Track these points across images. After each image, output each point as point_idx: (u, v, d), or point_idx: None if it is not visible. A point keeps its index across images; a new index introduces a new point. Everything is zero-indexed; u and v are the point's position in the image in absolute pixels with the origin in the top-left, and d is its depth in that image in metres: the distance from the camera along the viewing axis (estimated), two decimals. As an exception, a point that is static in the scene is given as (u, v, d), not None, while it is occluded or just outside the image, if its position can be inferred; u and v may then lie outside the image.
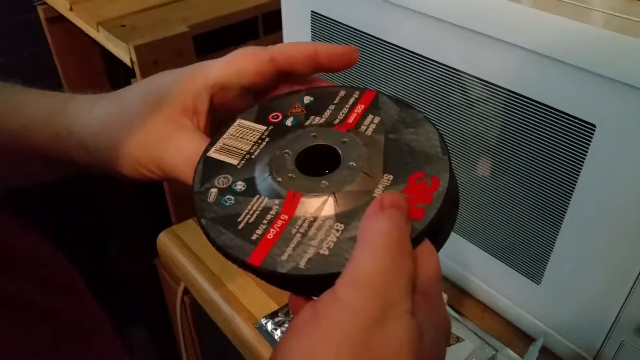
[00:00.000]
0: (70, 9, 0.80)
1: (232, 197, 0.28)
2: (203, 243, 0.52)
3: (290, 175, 0.28)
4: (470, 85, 0.43)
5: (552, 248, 0.44)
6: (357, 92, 0.32)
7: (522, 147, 0.42)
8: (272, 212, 0.26)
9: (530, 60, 0.38)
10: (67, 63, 0.99)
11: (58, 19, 0.90)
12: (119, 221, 1.23)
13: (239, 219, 0.27)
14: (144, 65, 0.68)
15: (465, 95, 0.45)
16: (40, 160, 0.36)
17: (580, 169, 0.39)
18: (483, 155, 0.46)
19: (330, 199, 0.26)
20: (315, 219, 0.25)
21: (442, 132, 0.31)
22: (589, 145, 0.38)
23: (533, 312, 0.49)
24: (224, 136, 0.31)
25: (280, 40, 0.60)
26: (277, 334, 0.51)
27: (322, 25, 0.53)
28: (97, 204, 1.21)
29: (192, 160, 0.30)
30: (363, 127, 0.30)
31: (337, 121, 0.30)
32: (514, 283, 0.48)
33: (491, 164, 0.45)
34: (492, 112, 0.43)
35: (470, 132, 0.45)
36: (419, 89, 0.48)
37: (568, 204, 0.41)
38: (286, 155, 0.29)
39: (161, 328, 0.95)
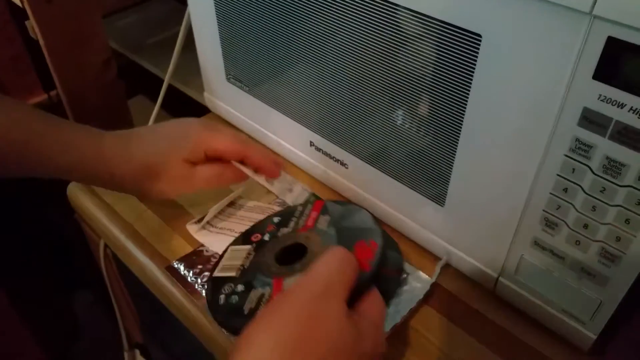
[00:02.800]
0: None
1: (236, 297, 0.40)
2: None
3: (273, 269, 0.40)
4: (357, 2, 0.41)
5: (452, 168, 0.43)
6: (310, 205, 0.46)
7: (413, 65, 0.41)
8: (266, 296, 0.38)
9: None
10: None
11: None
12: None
13: (244, 308, 0.38)
14: (35, 3, 0.63)
15: (349, 16, 0.42)
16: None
17: (471, 83, 0.38)
18: (375, 79, 0.44)
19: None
20: None
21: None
22: (476, 57, 0.37)
23: (440, 234, 0.49)
24: (223, 261, 0.44)
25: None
26: (190, 276, 0.50)
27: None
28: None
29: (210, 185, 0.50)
30: (318, 226, 0.43)
31: (299, 227, 0.44)
32: (420, 207, 0.48)
33: (385, 87, 0.44)
34: (380, 29, 0.41)
35: (360, 54, 0.44)
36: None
37: (462, 121, 0.40)
38: (268, 257, 0.41)
39: (103, 288, 0.93)
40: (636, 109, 0.31)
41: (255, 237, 0.44)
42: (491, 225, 0.44)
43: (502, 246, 0.44)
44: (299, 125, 0.56)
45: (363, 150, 0.51)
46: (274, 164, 0.51)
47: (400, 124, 0.45)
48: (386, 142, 0.47)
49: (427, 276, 0.49)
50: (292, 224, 0.44)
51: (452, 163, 0.43)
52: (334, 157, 0.55)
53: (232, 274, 0.41)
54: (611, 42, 0.30)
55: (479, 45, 0.36)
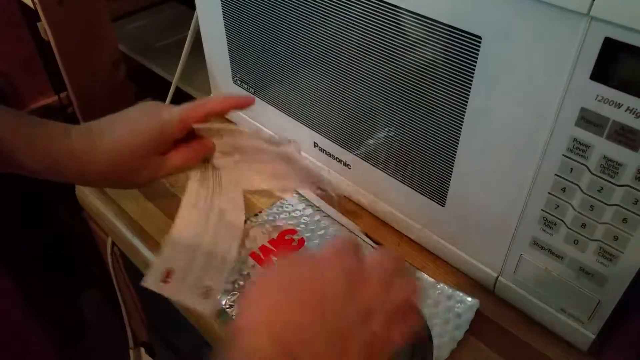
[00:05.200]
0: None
1: None
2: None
3: None
4: (360, 5, 0.42)
5: (452, 169, 0.44)
6: None
7: (415, 67, 0.42)
8: None
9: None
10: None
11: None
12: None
13: None
14: (47, 5, 0.64)
15: (352, 19, 0.43)
16: None
17: (471, 84, 0.39)
18: (377, 80, 0.45)
19: None
20: None
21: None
22: (476, 58, 0.37)
23: (440, 233, 0.49)
24: None
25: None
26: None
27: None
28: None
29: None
30: None
31: None
32: (421, 207, 0.49)
33: (387, 88, 0.45)
34: (382, 31, 0.42)
35: (362, 56, 0.44)
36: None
37: (462, 122, 0.41)
38: None
39: (110, 286, 0.94)
40: (633, 108, 0.32)
41: None
42: (491, 225, 0.44)
43: (501, 246, 0.44)
44: (303, 127, 0.57)
45: (365, 151, 0.51)
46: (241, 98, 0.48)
47: (402, 126, 0.46)
48: (388, 143, 0.48)
49: (427, 276, 0.49)
50: None
51: (453, 163, 0.43)
52: (337, 157, 0.55)
53: None
54: (608, 42, 0.31)
55: (479, 46, 0.37)
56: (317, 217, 0.56)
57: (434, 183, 0.46)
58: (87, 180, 0.46)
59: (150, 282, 0.43)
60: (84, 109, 0.76)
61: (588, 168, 0.35)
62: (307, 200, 0.58)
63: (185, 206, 0.47)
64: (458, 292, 0.48)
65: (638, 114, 0.31)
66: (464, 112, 0.40)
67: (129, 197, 0.60)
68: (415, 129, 0.45)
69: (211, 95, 0.70)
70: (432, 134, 0.44)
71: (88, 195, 0.63)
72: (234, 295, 0.48)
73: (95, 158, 0.44)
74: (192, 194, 0.48)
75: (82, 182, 0.49)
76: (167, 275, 0.44)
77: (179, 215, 0.46)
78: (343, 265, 0.30)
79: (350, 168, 0.55)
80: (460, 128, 0.41)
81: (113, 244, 0.68)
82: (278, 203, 0.58)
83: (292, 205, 0.57)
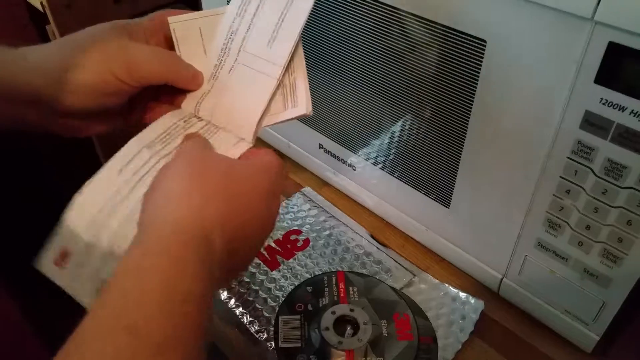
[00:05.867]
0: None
1: None
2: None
3: (341, 342, 0.43)
4: (365, 9, 0.43)
5: (457, 170, 0.44)
6: (333, 275, 0.49)
7: (420, 70, 0.42)
8: None
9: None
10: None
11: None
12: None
13: None
14: (55, 8, 0.65)
15: (358, 22, 0.44)
16: None
17: (476, 87, 0.39)
18: (383, 83, 0.45)
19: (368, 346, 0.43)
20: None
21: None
22: (481, 61, 0.38)
23: (445, 235, 0.50)
24: (281, 331, 0.44)
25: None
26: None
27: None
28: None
29: (159, 53, 0.37)
30: (351, 297, 0.46)
31: (335, 297, 0.47)
32: (426, 208, 0.49)
33: (393, 91, 0.45)
34: (387, 35, 0.42)
35: (368, 59, 0.45)
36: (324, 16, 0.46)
37: (467, 124, 0.41)
38: (327, 330, 0.44)
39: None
40: (637, 112, 0.32)
41: (299, 307, 0.46)
42: (495, 227, 0.44)
43: (506, 247, 0.44)
44: (309, 128, 0.57)
45: (371, 153, 0.52)
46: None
47: (407, 128, 0.46)
48: (393, 145, 0.48)
49: (432, 278, 0.50)
50: (327, 294, 0.47)
51: (458, 165, 0.44)
52: (342, 159, 0.56)
53: (298, 344, 0.43)
54: (612, 47, 0.31)
55: (484, 50, 0.37)
56: (322, 218, 0.56)
57: (439, 185, 0.47)
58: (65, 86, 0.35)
59: (43, 263, 0.33)
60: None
61: (592, 170, 0.36)
62: (312, 200, 0.58)
63: (111, 168, 0.34)
64: (463, 293, 0.48)
65: (642, 117, 0.32)
66: (469, 114, 0.40)
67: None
68: (420, 131, 0.45)
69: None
70: (437, 136, 0.44)
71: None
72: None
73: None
74: (129, 153, 0.35)
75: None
76: (62, 257, 0.33)
77: (95, 178, 0.34)
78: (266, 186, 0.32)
79: (355, 170, 0.55)
80: (465, 130, 0.41)
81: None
82: (283, 204, 0.58)
83: (297, 206, 0.58)
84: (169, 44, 0.39)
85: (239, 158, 0.35)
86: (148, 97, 0.39)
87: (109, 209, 0.33)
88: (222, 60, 0.39)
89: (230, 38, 0.39)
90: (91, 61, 0.35)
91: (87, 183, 0.33)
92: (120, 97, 0.37)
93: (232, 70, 0.39)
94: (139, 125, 0.38)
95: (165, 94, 0.39)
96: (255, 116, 0.37)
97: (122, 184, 0.33)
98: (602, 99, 0.33)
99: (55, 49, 0.37)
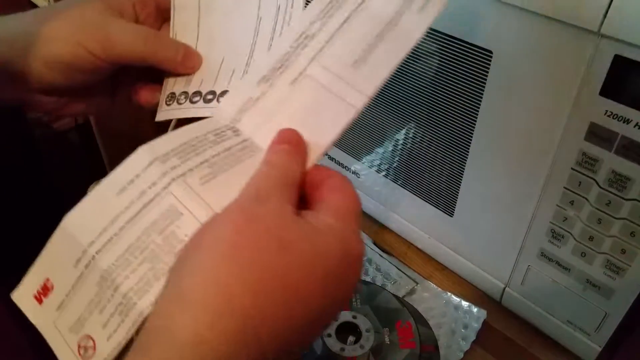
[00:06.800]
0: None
1: None
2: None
3: (344, 349, 0.43)
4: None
5: (461, 180, 0.44)
6: None
7: (425, 80, 0.42)
8: None
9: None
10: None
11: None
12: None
13: None
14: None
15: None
16: None
17: (481, 97, 0.39)
18: (388, 93, 0.45)
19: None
20: None
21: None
22: (487, 72, 0.38)
23: (448, 244, 0.50)
24: None
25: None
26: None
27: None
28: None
29: (140, 32, 0.34)
30: (353, 304, 0.46)
31: None
32: (429, 217, 0.49)
33: (398, 101, 0.45)
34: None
35: (383, 67, 0.45)
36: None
37: (472, 134, 0.41)
38: (330, 338, 0.44)
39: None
40: (641, 124, 0.32)
41: None
42: (499, 236, 0.45)
43: (509, 257, 0.45)
44: (313, 135, 0.58)
45: (375, 161, 0.52)
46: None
47: (412, 136, 0.46)
48: (397, 153, 0.49)
49: (435, 286, 0.50)
50: None
51: (462, 174, 0.44)
52: (346, 166, 0.56)
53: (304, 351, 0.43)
54: (618, 60, 0.31)
55: (490, 61, 0.37)
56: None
57: (443, 194, 0.47)
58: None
59: (20, 295, 0.27)
60: (100, 123, 0.77)
61: (597, 182, 0.36)
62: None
63: (108, 185, 0.27)
64: (465, 302, 0.48)
65: (647, 130, 0.32)
66: (474, 124, 0.41)
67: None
68: (425, 139, 0.45)
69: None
70: (441, 145, 0.44)
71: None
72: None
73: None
74: (136, 167, 0.27)
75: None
76: (44, 291, 0.26)
77: (87, 197, 0.27)
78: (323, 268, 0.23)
79: (359, 177, 0.55)
80: (470, 140, 0.42)
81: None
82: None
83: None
84: (163, 16, 0.36)
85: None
86: (136, 77, 0.36)
87: (102, 241, 0.26)
88: (283, 66, 0.32)
89: (302, 43, 0.32)
90: (61, 32, 0.32)
91: (78, 203, 0.27)
92: (98, 75, 0.34)
93: (296, 82, 0.31)
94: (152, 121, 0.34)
95: (157, 73, 0.35)
96: (319, 148, 0.29)
97: (122, 209, 0.26)
98: (607, 111, 0.33)
99: (30, 19, 0.34)
